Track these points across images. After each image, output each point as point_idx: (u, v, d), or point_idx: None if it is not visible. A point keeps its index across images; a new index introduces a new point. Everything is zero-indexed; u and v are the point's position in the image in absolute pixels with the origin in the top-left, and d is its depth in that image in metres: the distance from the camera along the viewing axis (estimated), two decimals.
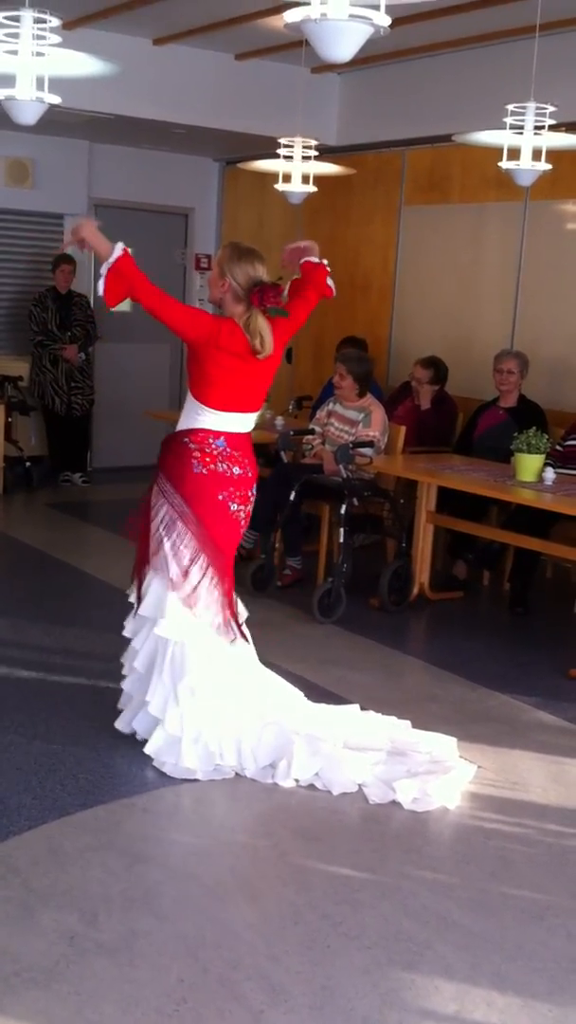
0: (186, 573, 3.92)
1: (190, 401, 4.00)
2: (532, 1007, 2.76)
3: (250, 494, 4.06)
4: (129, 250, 3.83)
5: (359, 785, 3.89)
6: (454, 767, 4.02)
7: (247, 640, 4.10)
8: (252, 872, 3.37)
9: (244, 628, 4.10)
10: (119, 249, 3.81)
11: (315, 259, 4.27)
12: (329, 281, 4.27)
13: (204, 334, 3.87)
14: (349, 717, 4.32)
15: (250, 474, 4.04)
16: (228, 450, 3.97)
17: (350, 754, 4.01)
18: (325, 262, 4.28)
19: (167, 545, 3.94)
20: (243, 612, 4.13)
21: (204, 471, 3.94)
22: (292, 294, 4.19)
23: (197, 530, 3.93)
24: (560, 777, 4.10)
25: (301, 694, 4.26)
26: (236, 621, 4.04)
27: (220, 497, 3.96)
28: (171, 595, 3.93)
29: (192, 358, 3.96)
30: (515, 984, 2.85)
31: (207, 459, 3.94)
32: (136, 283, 3.82)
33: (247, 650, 4.11)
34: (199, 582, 3.92)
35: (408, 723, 4.37)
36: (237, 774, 3.94)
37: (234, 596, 4.07)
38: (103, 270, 3.81)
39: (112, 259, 3.79)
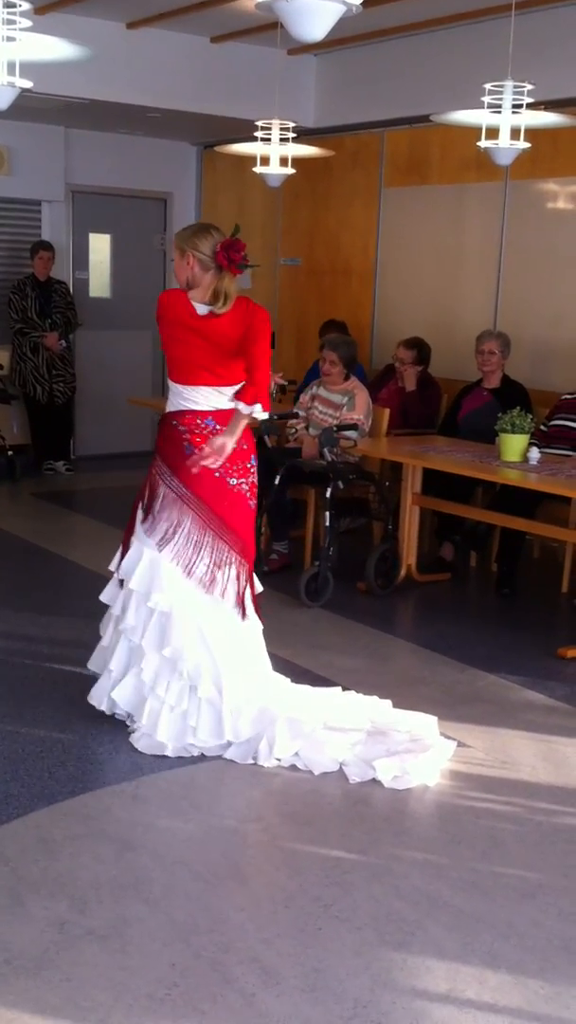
0: (196, 551, 3.97)
1: (169, 382, 4.08)
2: (524, 985, 2.76)
3: (249, 466, 4.08)
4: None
5: (340, 764, 3.90)
6: (433, 745, 4.03)
7: (259, 617, 4.13)
8: (242, 857, 3.36)
9: (258, 603, 4.14)
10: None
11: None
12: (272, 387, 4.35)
13: (158, 313, 4.00)
14: (330, 699, 4.33)
15: (245, 446, 4.06)
16: (219, 428, 3.99)
17: (330, 734, 4.02)
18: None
19: (169, 527, 3.98)
20: (258, 586, 4.16)
21: (196, 452, 3.97)
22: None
23: (200, 510, 3.98)
24: (549, 755, 4.11)
25: (286, 680, 4.28)
26: (254, 597, 4.08)
27: (217, 475, 3.99)
28: (164, 567, 3.96)
29: None
30: (507, 962, 2.85)
31: (198, 439, 3.98)
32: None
33: (253, 626, 4.12)
34: (208, 561, 3.97)
35: (389, 703, 4.37)
36: (203, 754, 3.95)
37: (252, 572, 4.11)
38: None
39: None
